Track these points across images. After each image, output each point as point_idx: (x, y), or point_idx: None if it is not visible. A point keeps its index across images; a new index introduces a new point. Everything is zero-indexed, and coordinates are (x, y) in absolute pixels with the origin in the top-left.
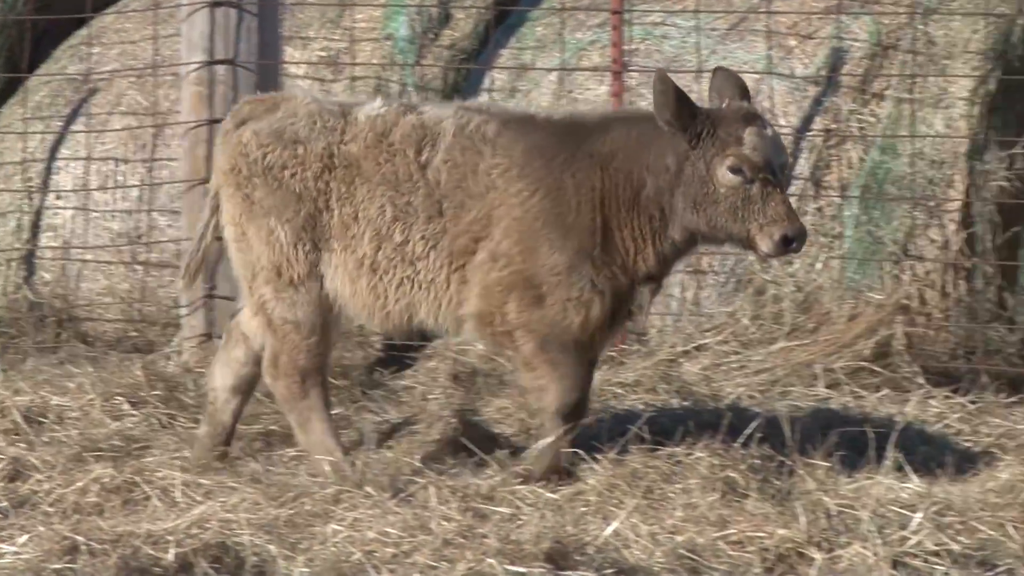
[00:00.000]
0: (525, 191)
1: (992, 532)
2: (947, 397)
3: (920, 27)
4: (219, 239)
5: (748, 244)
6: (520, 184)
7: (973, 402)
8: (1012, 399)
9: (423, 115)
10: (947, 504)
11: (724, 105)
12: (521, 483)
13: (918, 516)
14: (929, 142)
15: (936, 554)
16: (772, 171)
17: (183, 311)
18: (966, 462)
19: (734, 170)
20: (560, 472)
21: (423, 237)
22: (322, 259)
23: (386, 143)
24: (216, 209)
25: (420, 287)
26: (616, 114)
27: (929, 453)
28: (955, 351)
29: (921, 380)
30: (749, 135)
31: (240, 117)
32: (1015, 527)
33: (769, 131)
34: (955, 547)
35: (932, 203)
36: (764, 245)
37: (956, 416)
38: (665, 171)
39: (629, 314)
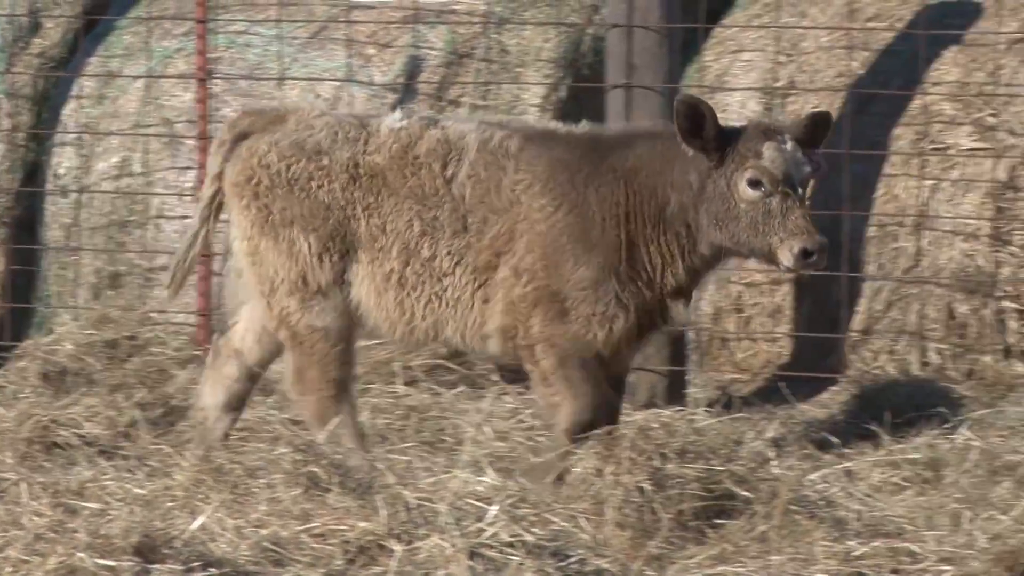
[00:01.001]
0: (549, 206)
1: (565, 524)
2: (520, 393)
3: (494, 36)
4: (205, 255)
5: (770, 258)
6: (544, 199)
7: None
8: None
9: (446, 129)
10: (522, 497)
11: (745, 124)
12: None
13: (493, 508)
14: None
15: (511, 545)
16: (792, 185)
17: None
18: (540, 456)
19: (753, 184)
20: (556, 476)
21: (449, 253)
22: (349, 269)
23: (411, 156)
24: (207, 220)
25: (447, 304)
26: (638, 130)
27: (504, 448)
28: None
29: (496, 377)
30: (768, 149)
31: (240, 129)
32: (587, 519)
33: (788, 146)
34: (529, 538)
35: None
36: (784, 259)
37: (529, 412)
38: (688, 188)
39: (657, 328)
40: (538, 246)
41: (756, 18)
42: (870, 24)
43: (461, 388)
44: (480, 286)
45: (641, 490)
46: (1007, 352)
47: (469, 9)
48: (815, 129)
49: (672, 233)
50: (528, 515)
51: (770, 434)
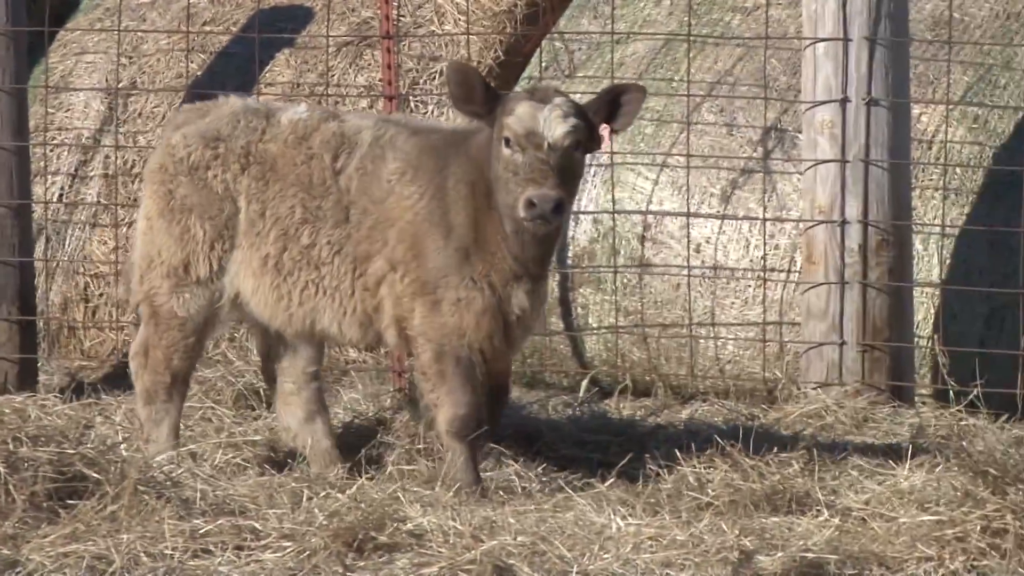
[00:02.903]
0: (416, 194)
1: None
2: None
3: None
4: None
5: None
6: (413, 187)
7: None
8: None
9: (344, 123)
10: None
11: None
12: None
13: None
14: None
15: None
16: (537, 142)
17: None
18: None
19: (505, 142)
20: (473, 485)
21: (329, 242)
22: (231, 257)
23: (305, 146)
24: None
25: (324, 293)
26: None
27: None
28: None
29: None
30: (520, 107)
31: (175, 124)
32: None
33: (546, 106)
34: None
35: None
36: (518, 211)
37: None
38: (489, 162)
39: (516, 320)
40: (408, 235)
41: (98, 22)
42: (207, 28)
43: None
44: (360, 276)
45: None
46: None
47: None
48: (611, 101)
49: (496, 210)
50: None
51: (118, 418)
